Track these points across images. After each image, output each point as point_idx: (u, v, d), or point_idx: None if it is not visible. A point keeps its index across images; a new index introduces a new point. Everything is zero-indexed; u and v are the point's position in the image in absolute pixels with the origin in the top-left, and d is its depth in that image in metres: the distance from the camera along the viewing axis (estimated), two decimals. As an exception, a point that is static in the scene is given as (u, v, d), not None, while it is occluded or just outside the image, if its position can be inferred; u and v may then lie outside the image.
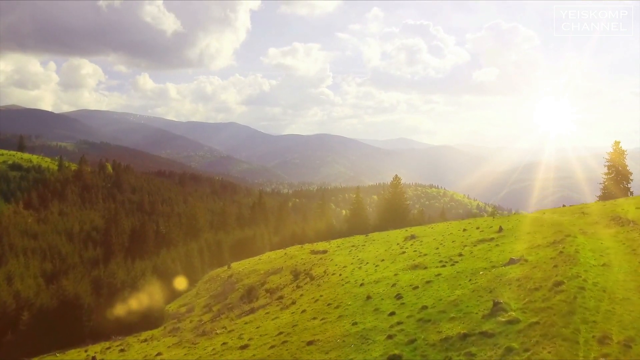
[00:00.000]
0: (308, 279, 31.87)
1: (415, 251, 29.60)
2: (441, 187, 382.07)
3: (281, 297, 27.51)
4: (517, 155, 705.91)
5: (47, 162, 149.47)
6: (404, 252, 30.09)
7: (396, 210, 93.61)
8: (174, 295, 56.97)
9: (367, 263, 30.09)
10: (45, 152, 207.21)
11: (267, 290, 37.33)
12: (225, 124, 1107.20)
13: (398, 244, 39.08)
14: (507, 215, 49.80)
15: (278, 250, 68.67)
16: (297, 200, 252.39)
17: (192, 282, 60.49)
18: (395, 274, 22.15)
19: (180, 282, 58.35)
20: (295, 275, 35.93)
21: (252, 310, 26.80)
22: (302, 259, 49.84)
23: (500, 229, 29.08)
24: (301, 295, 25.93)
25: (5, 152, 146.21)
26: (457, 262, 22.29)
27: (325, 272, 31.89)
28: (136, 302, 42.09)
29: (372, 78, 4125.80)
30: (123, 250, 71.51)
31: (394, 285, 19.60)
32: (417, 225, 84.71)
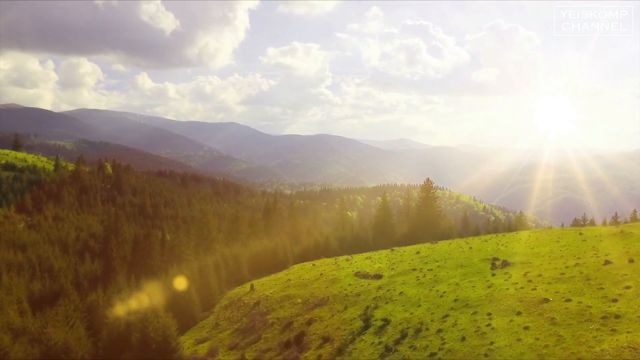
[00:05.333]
0: (396, 334, 22.20)
1: (567, 300, 19.88)
2: (446, 189, 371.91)
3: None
4: (517, 156, 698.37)
5: (42, 162, 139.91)
6: (546, 300, 20.32)
7: (427, 218, 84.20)
8: (187, 323, 47.27)
9: (491, 315, 20.34)
10: (44, 151, 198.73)
11: (324, 339, 27.75)
12: (224, 124, 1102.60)
13: (494, 274, 29.46)
14: (626, 229, 40.29)
15: (305, 265, 59.14)
16: (302, 201, 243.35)
17: (209, 306, 50.72)
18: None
19: (196, 308, 48.85)
20: (366, 320, 26.30)
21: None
22: (349, 284, 40.16)
23: None
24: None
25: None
26: None
27: (421, 324, 22.15)
28: (144, 344, 32.54)
29: (371, 78, 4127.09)
30: (125, 265, 61.76)
31: None
32: (452, 238, 75.44)
